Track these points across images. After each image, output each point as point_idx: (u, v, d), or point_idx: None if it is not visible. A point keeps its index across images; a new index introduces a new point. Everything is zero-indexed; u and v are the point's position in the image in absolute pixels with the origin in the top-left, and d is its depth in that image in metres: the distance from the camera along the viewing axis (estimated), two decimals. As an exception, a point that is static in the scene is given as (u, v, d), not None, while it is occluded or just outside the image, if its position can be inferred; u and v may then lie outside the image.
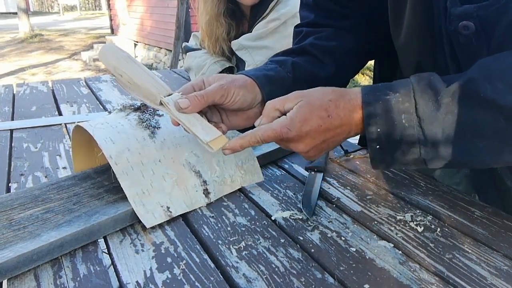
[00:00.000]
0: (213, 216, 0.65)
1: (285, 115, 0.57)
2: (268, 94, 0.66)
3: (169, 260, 0.55)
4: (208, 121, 0.62)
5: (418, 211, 0.65)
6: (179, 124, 0.61)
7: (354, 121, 0.55)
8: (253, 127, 0.67)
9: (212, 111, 0.65)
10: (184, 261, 0.55)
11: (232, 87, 0.63)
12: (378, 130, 0.52)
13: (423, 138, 0.51)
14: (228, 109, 0.65)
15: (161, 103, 0.61)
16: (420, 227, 0.61)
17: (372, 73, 0.95)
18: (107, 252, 0.58)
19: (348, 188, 0.73)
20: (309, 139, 0.56)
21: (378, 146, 0.53)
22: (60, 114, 1.19)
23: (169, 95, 0.62)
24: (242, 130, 0.70)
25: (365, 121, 0.53)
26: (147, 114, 0.72)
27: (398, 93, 0.52)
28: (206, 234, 0.61)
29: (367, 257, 0.55)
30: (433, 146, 0.51)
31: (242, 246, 0.57)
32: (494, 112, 0.48)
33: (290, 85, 0.70)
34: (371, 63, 0.95)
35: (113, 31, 10.90)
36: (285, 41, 1.20)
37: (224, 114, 0.67)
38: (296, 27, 0.84)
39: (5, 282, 0.52)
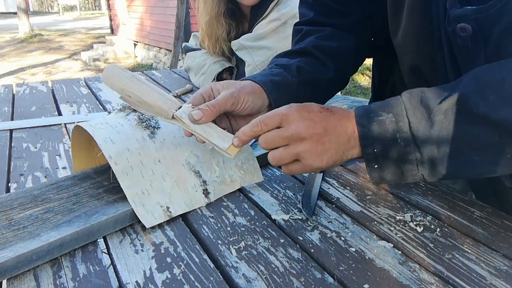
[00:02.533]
0: (212, 216, 0.65)
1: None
2: (275, 99, 0.68)
3: (168, 260, 0.55)
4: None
5: (417, 211, 0.65)
6: (192, 135, 0.62)
7: (352, 135, 0.55)
8: None
9: (221, 117, 0.66)
10: (184, 261, 0.55)
11: (242, 95, 0.64)
12: (375, 150, 0.53)
13: (420, 155, 0.52)
14: (238, 115, 0.66)
15: (173, 117, 0.62)
16: (420, 227, 0.61)
17: (371, 73, 0.95)
18: (106, 252, 0.58)
19: (348, 188, 0.73)
20: (310, 121, 0.55)
21: (376, 166, 0.54)
22: (59, 114, 1.19)
23: (179, 108, 0.63)
24: None
25: (361, 143, 0.54)
26: (147, 114, 0.71)
27: (391, 113, 0.53)
28: (206, 234, 0.61)
29: (367, 257, 0.55)
30: (429, 162, 0.52)
31: (241, 246, 0.57)
32: (487, 127, 0.48)
33: (295, 89, 0.71)
34: (370, 62, 0.95)
35: (113, 31, 10.89)
36: (285, 42, 1.20)
37: (232, 119, 0.68)
38: (295, 24, 0.84)
39: (4, 282, 0.52)
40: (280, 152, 0.56)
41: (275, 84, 0.69)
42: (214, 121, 0.64)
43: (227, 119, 0.68)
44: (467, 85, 0.50)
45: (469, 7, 0.53)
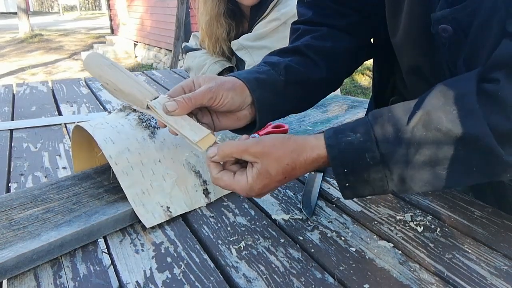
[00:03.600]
0: (213, 216, 0.65)
1: (241, 165, 0.58)
2: (259, 97, 0.67)
3: (169, 260, 0.55)
4: (198, 121, 0.62)
5: (418, 211, 0.65)
6: (166, 126, 0.61)
7: (319, 163, 0.56)
8: (244, 127, 0.68)
9: (203, 112, 0.65)
10: (184, 261, 0.55)
11: (220, 90, 0.63)
12: (345, 170, 0.54)
13: (389, 173, 0.52)
14: (218, 111, 0.65)
15: (147, 107, 0.61)
16: (420, 227, 0.61)
17: (371, 73, 0.95)
18: (107, 252, 0.58)
19: (348, 188, 0.73)
20: (267, 185, 0.57)
21: (347, 184, 0.55)
22: (60, 114, 1.19)
23: (155, 98, 0.62)
24: (234, 130, 0.71)
25: (331, 163, 0.54)
26: (147, 114, 0.71)
27: (358, 133, 0.54)
28: (206, 234, 0.61)
29: (367, 257, 0.55)
30: (399, 179, 0.52)
31: (242, 246, 0.57)
32: (451, 142, 0.49)
33: (282, 88, 0.70)
34: (370, 62, 0.95)
35: (113, 31, 10.89)
36: (285, 41, 1.20)
37: (214, 115, 0.67)
38: (293, 24, 0.84)
39: (5, 282, 0.52)
40: (233, 188, 0.58)
41: (260, 82, 0.68)
42: (196, 117, 0.63)
43: (209, 114, 0.67)
44: (432, 100, 0.51)
45: (447, 9, 0.55)
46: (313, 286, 0.50)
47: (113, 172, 0.63)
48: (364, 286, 0.50)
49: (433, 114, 0.50)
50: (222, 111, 0.65)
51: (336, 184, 0.74)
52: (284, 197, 0.70)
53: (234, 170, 0.58)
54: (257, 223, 0.63)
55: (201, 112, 0.65)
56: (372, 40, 0.85)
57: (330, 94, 0.85)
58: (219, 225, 0.63)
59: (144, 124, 0.69)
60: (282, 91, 0.70)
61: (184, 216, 0.66)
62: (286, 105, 0.72)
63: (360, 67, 0.86)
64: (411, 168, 0.51)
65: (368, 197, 0.69)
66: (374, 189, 0.54)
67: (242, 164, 0.58)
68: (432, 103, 0.51)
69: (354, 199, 0.69)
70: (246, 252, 0.56)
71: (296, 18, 0.86)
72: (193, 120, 0.61)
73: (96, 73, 0.62)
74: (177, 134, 0.60)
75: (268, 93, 0.68)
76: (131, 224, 0.63)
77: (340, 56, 0.78)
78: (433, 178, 0.52)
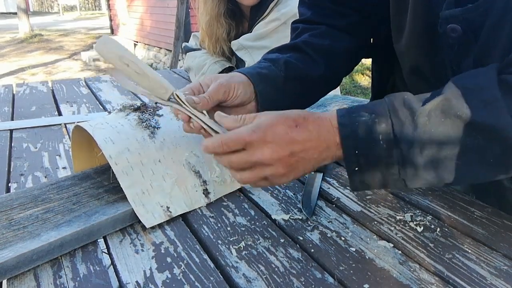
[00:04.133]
0: (213, 216, 0.65)
1: None
2: (261, 91, 0.67)
3: (168, 260, 0.55)
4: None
5: (417, 211, 0.65)
6: (189, 118, 0.59)
7: (328, 141, 0.53)
8: None
9: (211, 111, 0.66)
10: (184, 261, 0.55)
11: (231, 83, 0.64)
12: (356, 152, 0.52)
13: (401, 158, 0.50)
14: (229, 106, 0.66)
15: (169, 98, 0.59)
16: (420, 227, 0.61)
17: (371, 73, 0.95)
18: (107, 252, 0.58)
19: (348, 188, 0.73)
20: (275, 146, 0.52)
21: (356, 168, 0.53)
22: (60, 114, 1.19)
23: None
24: None
25: (342, 144, 0.52)
26: (147, 114, 0.72)
27: (374, 114, 0.52)
28: (206, 234, 0.61)
29: (367, 257, 0.55)
30: (411, 166, 0.51)
31: (242, 246, 0.57)
32: (470, 130, 0.48)
33: (282, 83, 0.70)
34: (370, 62, 0.95)
35: (113, 31, 10.89)
36: (285, 42, 1.19)
37: (224, 111, 0.67)
38: (293, 23, 0.85)
39: (5, 282, 0.52)
40: (247, 175, 0.54)
41: (262, 76, 0.69)
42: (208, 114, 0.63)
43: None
44: (449, 90, 0.50)
45: (457, 9, 0.54)
46: (313, 286, 0.50)
47: (113, 172, 0.63)
48: (364, 286, 0.50)
49: (453, 101, 0.49)
50: (235, 104, 0.65)
51: (336, 184, 0.74)
52: (284, 197, 0.70)
53: None
54: (257, 223, 0.63)
55: (210, 111, 0.65)
56: (372, 40, 0.85)
57: (330, 94, 0.85)
58: (219, 225, 0.63)
59: (144, 124, 0.69)
60: (282, 86, 0.70)
61: (184, 216, 0.66)
62: (285, 101, 0.72)
63: (360, 67, 0.87)
64: (425, 155, 0.50)
65: (368, 197, 0.69)
66: (383, 177, 0.52)
67: None
68: (452, 91, 0.49)
69: (354, 198, 0.69)
70: (246, 252, 0.56)
71: (296, 18, 0.87)
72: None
73: (113, 54, 0.56)
74: (201, 125, 0.58)
75: (269, 88, 0.68)
76: (131, 224, 0.63)
77: (337, 55, 0.78)
78: (446, 167, 0.50)
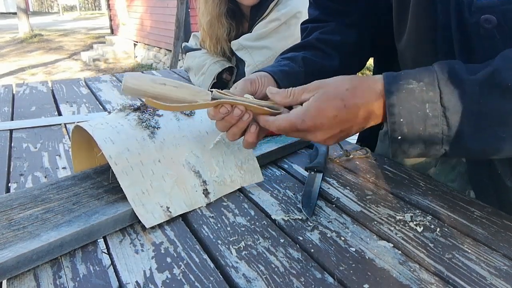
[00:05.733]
0: (212, 216, 0.65)
1: (301, 105, 0.58)
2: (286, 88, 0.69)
3: (168, 260, 0.55)
4: None
5: (417, 211, 0.65)
6: (245, 110, 0.60)
7: (374, 109, 0.54)
8: None
9: None
10: (184, 261, 0.55)
11: (256, 77, 0.66)
12: (401, 120, 0.51)
13: (447, 129, 0.50)
14: (261, 96, 0.67)
15: (212, 98, 0.60)
16: (420, 227, 0.61)
17: (372, 74, 0.95)
18: (106, 252, 0.58)
19: (348, 188, 0.73)
20: (326, 129, 0.56)
21: (400, 137, 0.52)
22: (59, 114, 1.19)
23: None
24: None
25: (387, 111, 0.52)
26: (147, 114, 0.72)
27: (422, 82, 0.51)
28: (206, 234, 0.61)
29: (367, 257, 0.55)
30: (456, 136, 0.50)
31: (241, 246, 0.57)
32: None
33: (303, 79, 0.72)
34: (370, 62, 0.95)
35: (112, 31, 10.89)
36: (285, 41, 1.20)
37: None
38: (302, 23, 0.87)
39: (4, 282, 0.52)
40: (291, 134, 0.59)
41: (285, 73, 0.70)
42: None
43: None
44: (500, 62, 0.49)
45: None
46: (313, 286, 0.50)
47: (113, 172, 0.63)
48: (364, 286, 0.50)
49: (502, 72, 0.48)
50: (262, 97, 0.66)
51: (336, 184, 0.74)
52: (284, 197, 0.70)
53: None
54: (257, 223, 0.63)
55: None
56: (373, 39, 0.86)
57: None
58: (219, 225, 0.63)
59: (144, 124, 0.69)
60: (303, 82, 0.71)
61: (184, 216, 0.66)
62: None
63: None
64: (471, 126, 0.49)
65: (368, 197, 0.69)
66: (425, 147, 0.52)
67: None
68: (503, 62, 0.49)
69: (354, 199, 0.69)
70: (246, 252, 0.56)
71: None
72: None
73: (144, 85, 0.56)
74: (249, 109, 0.60)
75: (293, 84, 0.69)
76: (131, 224, 0.63)
77: (349, 49, 0.80)
78: (490, 140, 0.49)
